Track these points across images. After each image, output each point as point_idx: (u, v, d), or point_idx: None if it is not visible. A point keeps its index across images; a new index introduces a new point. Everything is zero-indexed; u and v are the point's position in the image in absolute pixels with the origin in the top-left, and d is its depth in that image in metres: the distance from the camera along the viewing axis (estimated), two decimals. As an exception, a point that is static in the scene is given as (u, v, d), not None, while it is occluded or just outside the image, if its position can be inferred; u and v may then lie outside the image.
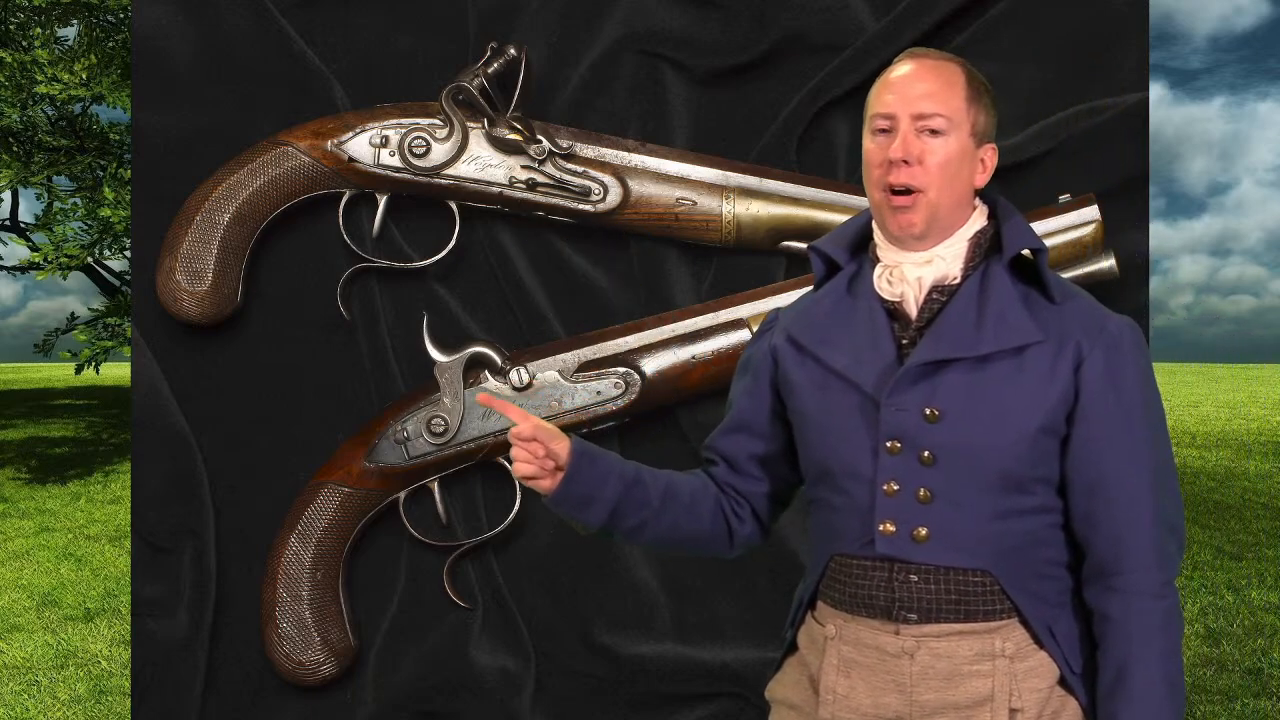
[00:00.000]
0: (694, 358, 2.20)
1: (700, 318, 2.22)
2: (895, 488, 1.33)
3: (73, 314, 8.40)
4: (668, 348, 2.20)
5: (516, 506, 2.28)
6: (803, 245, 2.25)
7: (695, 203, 2.23)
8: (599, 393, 2.21)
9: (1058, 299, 1.35)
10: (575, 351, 2.23)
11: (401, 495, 2.27)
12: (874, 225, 1.40)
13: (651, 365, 2.19)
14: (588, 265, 2.33)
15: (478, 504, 2.33)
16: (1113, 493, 1.31)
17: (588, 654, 2.31)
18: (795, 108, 2.26)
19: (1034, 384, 1.31)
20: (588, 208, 2.24)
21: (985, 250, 1.37)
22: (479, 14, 2.33)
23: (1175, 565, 1.33)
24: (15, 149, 7.92)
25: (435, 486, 2.28)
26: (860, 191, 2.23)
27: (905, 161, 1.32)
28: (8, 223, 10.81)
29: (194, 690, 2.30)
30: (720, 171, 2.24)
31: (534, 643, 2.33)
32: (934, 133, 1.33)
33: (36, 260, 7.23)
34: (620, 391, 2.21)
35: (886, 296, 1.37)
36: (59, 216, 7.67)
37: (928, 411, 1.32)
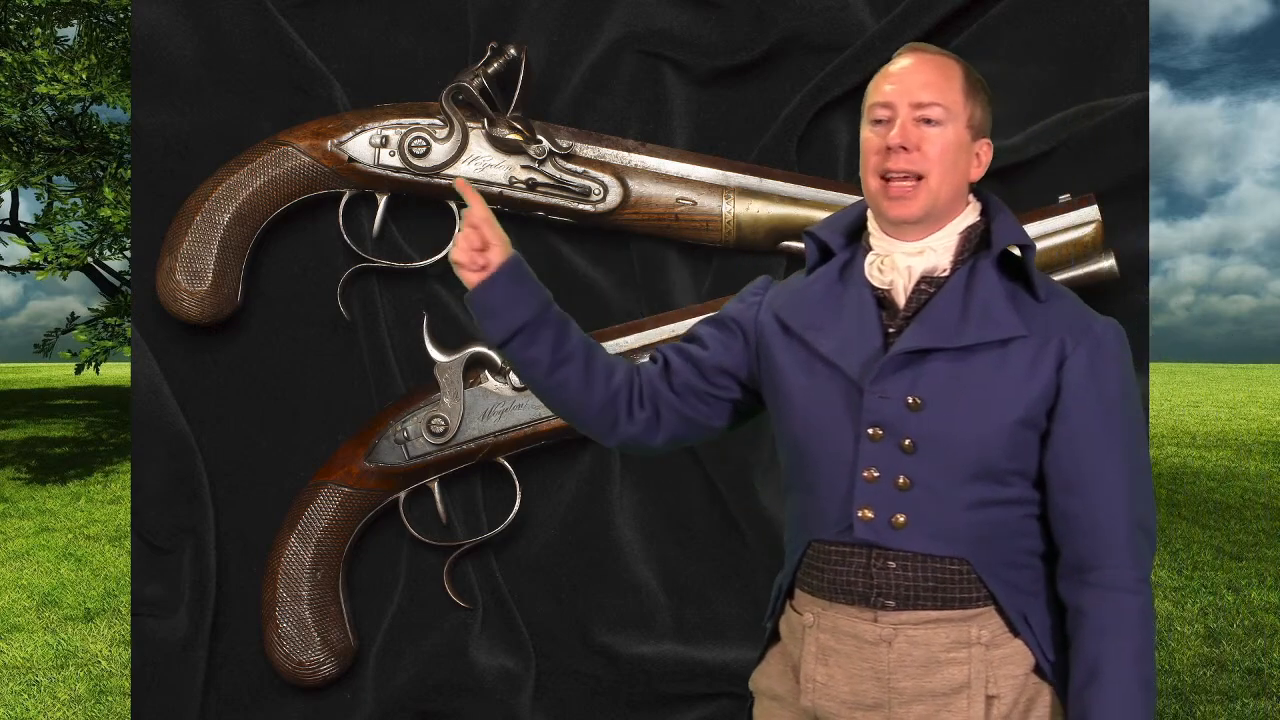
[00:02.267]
0: (694, 358, 2.20)
1: (700, 318, 2.22)
2: (875, 474, 1.34)
3: (73, 314, 8.41)
4: (668, 348, 2.20)
5: (516, 506, 2.28)
6: (802, 244, 2.25)
7: (695, 203, 2.23)
8: (599, 393, 2.21)
9: (1043, 297, 1.36)
10: (575, 351, 2.23)
11: (401, 495, 2.27)
12: (869, 214, 1.42)
13: (651, 365, 2.19)
14: (588, 265, 2.33)
15: (478, 504, 2.33)
16: (1090, 489, 1.33)
17: (588, 654, 2.32)
18: (795, 108, 2.27)
19: (1015, 377, 1.33)
20: (588, 208, 2.24)
21: (975, 245, 1.39)
22: (479, 14, 2.33)
23: (1149, 563, 1.35)
24: (15, 149, 7.91)
25: (435, 486, 2.28)
26: (860, 191, 2.24)
27: (904, 148, 1.34)
28: (8, 223, 10.82)
29: (194, 690, 2.30)
30: (720, 171, 2.24)
31: (534, 643, 2.33)
32: (931, 122, 1.35)
33: (36, 260, 7.23)
34: (620, 391, 2.20)
35: (876, 284, 1.39)
36: (59, 216, 7.66)
37: (910, 400, 1.33)
